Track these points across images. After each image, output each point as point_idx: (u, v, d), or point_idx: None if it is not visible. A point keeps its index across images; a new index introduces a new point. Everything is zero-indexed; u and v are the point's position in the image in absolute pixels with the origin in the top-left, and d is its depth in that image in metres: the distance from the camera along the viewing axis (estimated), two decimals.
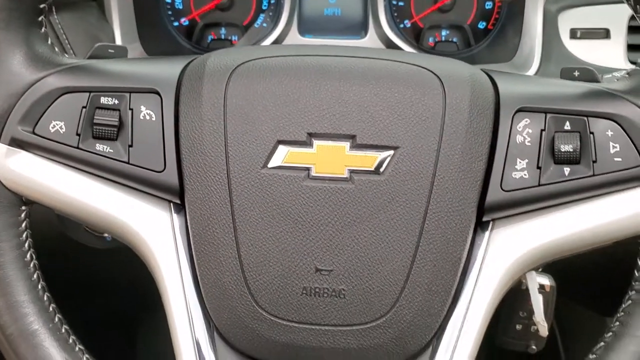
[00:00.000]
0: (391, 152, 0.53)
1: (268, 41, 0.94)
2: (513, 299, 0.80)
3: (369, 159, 0.53)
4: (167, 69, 0.57)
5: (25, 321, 0.54)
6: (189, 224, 0.55)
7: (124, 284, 0.90)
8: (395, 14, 0.96)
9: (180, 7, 0.97)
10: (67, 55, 0.58)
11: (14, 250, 0.55)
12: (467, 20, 0.97)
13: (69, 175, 0.56)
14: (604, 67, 0.86)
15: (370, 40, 0.95)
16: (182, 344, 0.55)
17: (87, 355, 0.56)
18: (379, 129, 0.53)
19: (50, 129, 0.54)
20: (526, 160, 0.54)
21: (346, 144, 0.53)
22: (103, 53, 0.60)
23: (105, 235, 0.84)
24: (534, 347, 0.82)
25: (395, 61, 0.57)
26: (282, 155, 0.53)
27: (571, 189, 0.53)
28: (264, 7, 0.98)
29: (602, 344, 0.55)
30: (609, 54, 0.89)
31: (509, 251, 0.55)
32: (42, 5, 0.55)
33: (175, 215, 0.56)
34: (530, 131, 0.54)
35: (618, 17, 0.90)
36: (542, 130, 0.54)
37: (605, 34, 0.91)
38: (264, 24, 0.98)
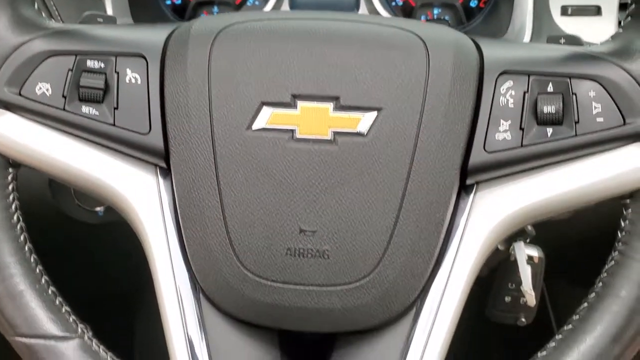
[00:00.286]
0: (375, 113, 0.53)
1: None
2: (502, 271, 0.81)
3: (353, 121, 0.53)
4: (153, 34, 0.58)
5: (12, 282, 0.55)
6: (174, 186, 0.55)
7: (117, 259, 0.90)
8: None
9: None
10: (53, 21, 0.59)
11: (0, 212, 0.56)
12: None
13: (55, 138, 0.56)
14: (594, 44, 0.86)
15: None
16: (167, 307, 0.55)
17: (73, 317, 0.56)
18: (362, 91, 0.54)
19: (37, 91, 0.55)
20: (509, 122, 0.54)
21: (330, 105, 0.54)
22: (91, 21, 0.61)
23: (97, 209, 0.84)
24: (523, 319, 0.82)
25: (379, 24, 0.57)
26: (266, 117, 0.54)
27: (554, 149, 0.54)
28: None
29: (585, 305, 0.55)
30: (600, 31, 0.89)
31: (492, 213, 0.55)
32: None
33: (161, 180, 0.56)
34: (513, 93, 0.54)
35: None
36: (525, 92, 0.54)
37: (596, 10, 0.91)
38: (256, 2, 0.98)
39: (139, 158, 0.56)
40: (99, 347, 0.56)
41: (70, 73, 0.55)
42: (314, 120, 0.54)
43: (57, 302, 0.56)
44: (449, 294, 0.55)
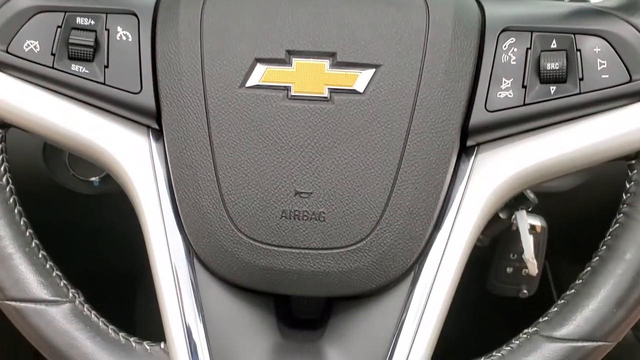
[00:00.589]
0: (372, 70, 0.52)
1: None
2: (504, 241, 0.79)
3: (350, 78, 0.52)
4: None
5: (1, 244, 0.53)
6: (166, 147, 0.54)
7: (115, 232, 0.89)
8: None
9: None
10: None
11: None
12: None
13: (44, 97, 0.54)
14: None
15: None
16: (160, 272, 0.54)
17: (64, 282, 0.55)
18: (360, 47, 0.52)
19: (24, 48, 0.53)
20: (511, 80, 0.52)
21: (326, 62, 0.52)
22: None
23: (92, 179, 0.83)
24: (525, 291, 0.81)
25: None
26: (260, 74, 0.52)
27: (557, 107, 0.52)
28: None
29: (588, 268, 0.54)
30: None
31: (493, 175, 0.54)
32: None
33: (153, 142, 0.55)
34: (515, 50, 0.53)
35: None
36: (527, 49, 0.52)
37: None
38: None
39: (131, 119, 0.55)
40: (90, 312, 0.55)
41: (59, 30, 0.53)
42: (310, 77, 0.52)
43: (48, 266, 0.55)
44: (448, 258, 0.53)
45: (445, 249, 0.53)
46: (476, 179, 0.54)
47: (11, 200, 0.55)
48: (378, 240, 0.52)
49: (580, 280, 0.54)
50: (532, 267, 0.70)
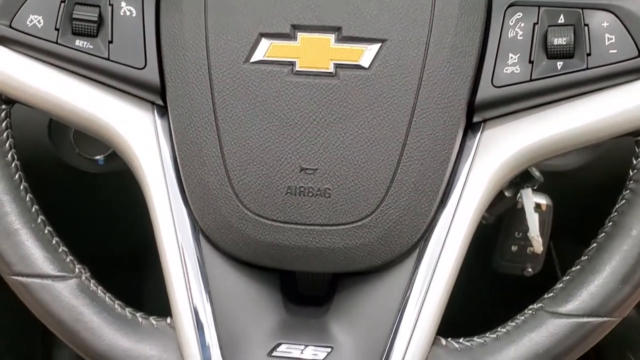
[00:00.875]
0: (378, 45, 0.51)
1: None
2: (509, 219, 0.79)
3: (355, 52, 0.51)
4: None
5: (7, 220, 0.54)
6: (171, 123, 0.54)
7: (120, 211, 0.90)
8: None
9: None
10: None
11: None
12: None
13: (49, 73, 0.54)
14: None
15: None
16: (166, 248, 0.54)
17: (70, 257, 0.55)
18: (365, 21, 0.51)
19: (28, 23, 0.53)
20: (518, 55, 0.52)
21: (331, 37, 0.52)
22: None
23: (98, 157, 0.83)
24: (530, 269, 0.81)
25: None
26: (265, 49, 0.52)
27: (564, 83, 0.52)
28: None
29: (594, 245, 0.54)
30: None
31: (500, 151, 0.53)
32: None
33: (158, 118, 0.55)
34: (522, 25, 0.52)
35: None
36: (535, 24, 0.52)
37: None
38: None
39: (135, 95, 0.55)
40: (96, 287, 0.55)
41: (62, 5, 0.53)
42: (315, 52, 0.52)
43: (54, 241, 0.55)
44: (453, 235, 0.53)
45: (450, 225, 0.53)
46: (482, 155, 0.53)
47: (17, 176, 0.55)
48: (383, 217, 0.52)
49: (586, 257, 0.54)
50: (537, 245, 0.70)
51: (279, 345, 0.54)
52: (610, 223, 0.54)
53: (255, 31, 0.52)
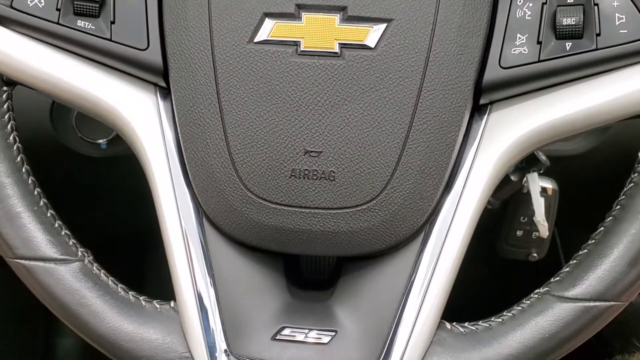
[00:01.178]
0: (384, 24, 0.51)
1: None
2: (515, 204, 0.79)
3: (361, 32, 0.51)
4: None
5: (9, 203, 0.53)
6: (174, 104, 0.53)
7: (121, 192, 0.89)
8: None
9: None
10: None
11: None
12: None
13: (50, 54, 0.54)
14: None
15: None
16: (170, 231, 0.54)
17: (73, 241, 0.55)
18: (371, 0, 0.51)
19: (29, 3, 0.52)
20: (526, 36, 0.51)
21: (337, 16, 0.51)
22: None
23: (99, 141, 0.83)
24: (535, 254, 0.81)
25: None
26: (269, 29, 0.51)
27: (573, 64, 0.51)
28: None
29: (601, 229, 0.53)
30: None
31: (506, 134, 0.53)
32: None
33: (161, 101, 0.54)
34: (531, 5, 0.51)
35: None
36: (543, 4, 0.51)
37: None
38: None
39: (138, 77, 0.54)
40: (99, 270, 0.55)
41: None
42: (320, 32, 0.51)
43: (56, 225, 0.55)
44: (458, 219, 0.53)
45: (456, 209, 0.53)
46: (489, 138, 0.53)
47: (18, 159, 0.55)
48: (388, 200, 0.51)
49: (593, 241, 0.53)
50: (543, 229, 0.69)
51: (283, 329, 0.53)
52: (618, 206, 0.53)
53: (259, 11, 0.51)
